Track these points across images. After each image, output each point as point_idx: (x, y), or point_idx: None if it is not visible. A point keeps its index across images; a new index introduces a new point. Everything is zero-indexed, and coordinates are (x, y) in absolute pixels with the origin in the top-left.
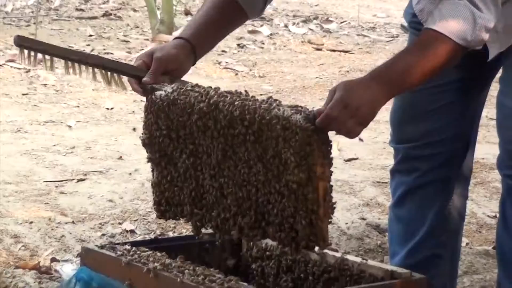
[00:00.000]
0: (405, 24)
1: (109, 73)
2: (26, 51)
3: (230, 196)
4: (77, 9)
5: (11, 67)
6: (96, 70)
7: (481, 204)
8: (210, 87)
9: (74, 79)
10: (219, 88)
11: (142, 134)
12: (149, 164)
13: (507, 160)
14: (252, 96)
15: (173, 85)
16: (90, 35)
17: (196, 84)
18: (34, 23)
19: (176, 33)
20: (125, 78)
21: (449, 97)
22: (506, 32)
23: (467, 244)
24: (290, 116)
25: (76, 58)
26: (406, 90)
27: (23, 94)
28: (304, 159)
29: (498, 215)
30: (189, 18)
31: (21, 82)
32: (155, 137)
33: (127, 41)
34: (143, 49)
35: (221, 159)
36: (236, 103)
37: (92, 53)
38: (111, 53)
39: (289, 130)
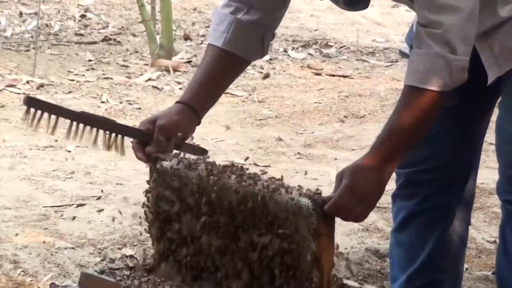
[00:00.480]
0: (404, 49)
1: (112, 137)
2: (32, 112)
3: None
4: (76, 34)
5: (11, 92)
6: (100, 132)
7: (480, 229)
8: (212, 164)
9: (74, 104)
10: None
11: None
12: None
13: (506, 185)
14: (254, 174)
15: (175, 160)
16: (90, 60)
17: (197, 161)
18: (34, 48)
19: (175, 58)
20: (125, 143)
21: (449, 122)
22: (504, 56)
23: (466, 269)
24: (298, 200)
25: (82, 121)
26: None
27: (23, 119)
28: (310, 243)
29: (497, 240)
30: (189, 43)
31: (20, 107)
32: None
33: (127, 66)
34: (142, 74)
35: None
36: (239, 190)
37: (97, 114)
38: (111, 78)
39: (297, 215)
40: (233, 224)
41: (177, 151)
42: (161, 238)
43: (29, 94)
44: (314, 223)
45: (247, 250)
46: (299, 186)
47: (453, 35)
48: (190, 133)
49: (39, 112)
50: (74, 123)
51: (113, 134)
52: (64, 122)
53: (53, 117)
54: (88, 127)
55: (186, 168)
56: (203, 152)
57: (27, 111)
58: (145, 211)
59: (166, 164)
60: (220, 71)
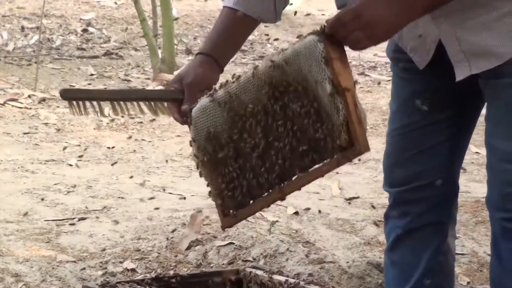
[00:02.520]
0: None
1: (152, 103)
2: (74, 103)
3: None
4: (78, 49)
5: (12, 106)
6: (141, 103)
7: (482, 243)
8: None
9: (75, 118)
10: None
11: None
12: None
13: (501, 203)
14: None
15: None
16: (91, 74)
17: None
18: (36, 62)
19: (177, 72)
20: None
21: (439, 137)
22: (476, 53)
23: (468, 283)
24: (304, 41)
25: (120, 97)
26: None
27: (24, 133)
28: (324, 71)
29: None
30: (190, 57)
31: (22, 121)
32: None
33: (128, 80)
34: (144, 88)
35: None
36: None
37: (132, 88)
38: None
39: (308, 49)
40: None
41: None
42: (220, 173)
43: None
44: (323, 51)
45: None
46: None
47: None
48: (215, 82)
49: (80, 102)
50: (115, 102)
51: (152, 102)
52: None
53: (94, 102)
54: (127, 102)
55: (209, 96)
56: None
57: (70, 104)
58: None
59: (195, 109)
60: (233, 29)
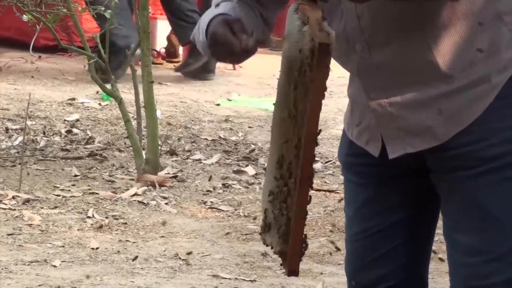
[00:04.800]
0: None
1: None
2: None
3: None
4: (62, 150)
5: None
6: None
7: None
8: None
9: (59, 219)
10: None
11: None
12: None
13: None
14: None
15: None
16: (76, 175)
17: None
18: (20, 164)
19: (161, 173)
20: None
21: (399, 238)
22: (410, 131)
23: None
24: None
25: None
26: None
27: (8, 234)
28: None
29: None
30: (174, 158)
31: (6, 223)
32: None
33: (113, 181)
34: (128, 189)
35: None
36: None
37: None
38: (97, 193)
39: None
40: None
41: None
42: None
43: None
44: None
45: None
46: None
47: None
48: None
49: None
50: None
51: None
52: None
53: None
54: None
55: None
56: None
57: None
58: None
59: None
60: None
